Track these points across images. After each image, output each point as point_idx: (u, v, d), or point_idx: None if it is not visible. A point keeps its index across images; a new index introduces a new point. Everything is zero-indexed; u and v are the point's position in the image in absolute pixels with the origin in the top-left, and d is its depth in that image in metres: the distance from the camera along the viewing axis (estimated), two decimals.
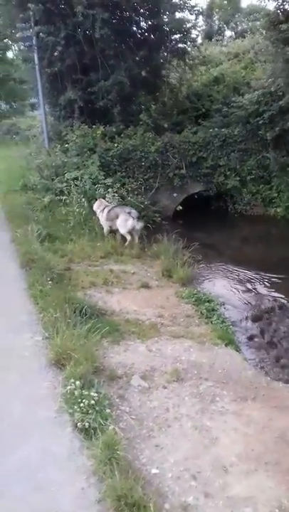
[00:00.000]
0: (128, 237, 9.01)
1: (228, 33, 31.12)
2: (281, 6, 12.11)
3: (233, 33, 30.73)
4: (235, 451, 3.47)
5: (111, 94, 12.70)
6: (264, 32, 14.40)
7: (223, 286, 8.49)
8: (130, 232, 9.04)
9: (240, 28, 30.67)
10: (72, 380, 3.76)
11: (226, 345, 5.44)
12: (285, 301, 7.58)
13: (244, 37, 22.69)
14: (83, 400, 3.52)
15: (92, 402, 3.53)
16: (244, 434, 3.71)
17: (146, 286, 7.07)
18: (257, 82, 14.33)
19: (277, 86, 12.64)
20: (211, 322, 6.11)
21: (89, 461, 3.11)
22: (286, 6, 12.07)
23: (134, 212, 9.14)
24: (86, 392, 3.63)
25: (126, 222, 8.94)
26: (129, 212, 9.03)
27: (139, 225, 9.16)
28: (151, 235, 9.55)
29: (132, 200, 10.64)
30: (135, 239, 9.13)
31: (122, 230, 8.99)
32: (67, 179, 10.52)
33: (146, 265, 8.20)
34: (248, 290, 8.25)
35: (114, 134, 12.59)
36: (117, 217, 9.02)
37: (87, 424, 3.35)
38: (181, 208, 12.94)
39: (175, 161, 12.91)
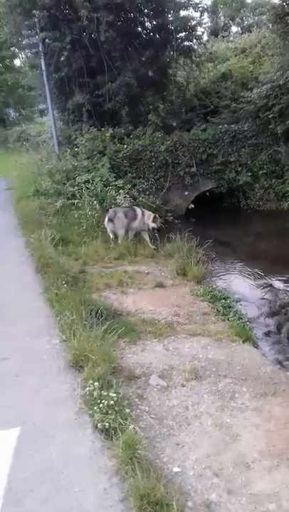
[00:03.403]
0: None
1: (234, 28, 31.00)
2: None
3: (239, 28, 30.59)
4: (257, 448, 3.45)
5: (118, 95, 12.75)
6: (270, 25, 14.33)
7: (239, 282, 8.45)
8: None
9: (246, 23, 30.52)
10: (91, 382, 3.78)
11: (244, 341, 5.39)
12: None
13: (250, 32, 22.60)
14: (102, 401, 3.54)
15: (112, 402, 3.54)
16: (265, 431, 3.68)
17: (161, 285, 7.06)
18: (265, 76, 14.25)
19: (286, 79, 12.56)
20: (228, 319, 6.07)
21: (110, 461, 3.12)
22: None
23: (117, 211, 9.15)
24: (105, 393, 3.65)
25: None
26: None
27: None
28: (164, 235, 9.54)
29: (144, 201, 10.66)
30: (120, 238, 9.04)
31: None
32: (79, 183, 10.57)
33: (160, 265, 8.19)
34: (264, 286, 8.19)
35: (123, 136, 12.63)
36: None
37: (107, 424, 3.36)
38: (193, 206, 12.93)
39: (185, 159, 12.90)
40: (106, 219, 9.03)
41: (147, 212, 9.33)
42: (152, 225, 9.15)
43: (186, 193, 13.23)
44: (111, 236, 9.03)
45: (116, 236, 9.05)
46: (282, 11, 12.10)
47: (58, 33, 12.38)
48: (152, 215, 9.24)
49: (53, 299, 5.65)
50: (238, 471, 3.19)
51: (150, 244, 9.22)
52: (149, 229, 9.23)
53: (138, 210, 9.31)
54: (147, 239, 9.36)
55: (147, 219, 9.18)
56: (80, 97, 12.79)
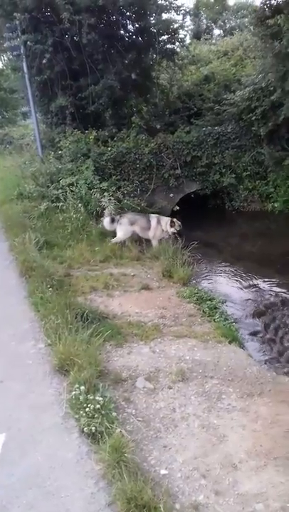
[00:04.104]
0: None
1: (217, 31, 31.27)
2: (268, 2, 12.16)
3: (221, 31, 30.85)
4: (244, 448, 3.46)
5: (102, 98, 12.73)
6: (252, 28, 14.45)
7: (225, 283, 8.50)
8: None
9: (228, 25, 30.79)
10: (77, 386, 3.75)
11: (230, 342, 5.41)
12: (288, 296, 7.58)
13: (232, 34, 22.78)
14: (89, 405, 3.52)
15: (98, 406, 3.53)
16: (252, 431, 3.69)
17: (147, 287, 7.05)
18: (247, 78, 14.38)
19: (268, 81, 12.67)
20: (214, 320, 6.09)
21: (97, 465, 3.10)
22: (272, 2, 12.11)
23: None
24: (91, 397, 3.62)
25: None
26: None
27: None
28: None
29: (129, 203, 10.62)
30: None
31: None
32: (63, 185, 10.50)
33: (146, 267, 8.18)
34: (250, 286, 8.25)
35: (107, 138, 12.60)
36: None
37: (93, 428, 3.34)
38: (178, 208, 12.94)
39: (170, 161, 12.92)
40: (109, 218, 9.11)
41: (164, 220, 9.25)
42: (171, 230, 9.07)
43: (171, 195, 13.25)
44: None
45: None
46: (263, 14, 12.18)
47: (40, 35, 12.31)
48: (168, 220, 9.17)
49: (37, 303, 5.60)
50: (226, 472, 3.19)
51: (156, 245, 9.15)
52: (170, 235, 9.13)
53: (153, 220, 9.28)
54: (154, 242, 9.26)
55: (165, 226, 9.13)
56: (62, 99, 12.73)
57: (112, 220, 9.14)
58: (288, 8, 11.30)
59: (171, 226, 9.06)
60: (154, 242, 9.22)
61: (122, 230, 9.11)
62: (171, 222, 9.10)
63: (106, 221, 9.16)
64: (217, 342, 5.35)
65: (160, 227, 9.17)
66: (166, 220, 9.20)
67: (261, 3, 12.32)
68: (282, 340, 6.09)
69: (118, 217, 9.21)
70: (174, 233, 9.10)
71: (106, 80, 12.55)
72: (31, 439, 3.42)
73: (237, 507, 2.90)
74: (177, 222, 9.15)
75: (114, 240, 8.94)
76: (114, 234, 9.13)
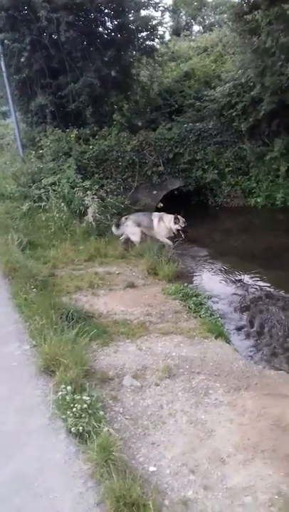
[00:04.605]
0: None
1: (196, 27, 31.22)
2: None
3: (200, 27, 30.84)
4: (232, 442, 3.48)
5: (82, 96, 12.64)
6: (230, 24, 14.48)
7: (210, 279, 8.52)
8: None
9: (207, 21, 30.77)
10: (63, 386, 3.73)
11: (216, 337, 5.44)
12: (272, 290, 7.63)
13: (212, 30, 22.81)
14: (75, 405, 3.50)
15: (85, 405, 3.51)
16: (239, 424, 3.71)
17: (132, 285, 7.05)
18: (227, 74, 14.45)
19: (248, 77, 12.74)
20: (200, 316, 6.12)
21: (85, 464, 3.08)
22: None
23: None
24: (78, 397, 3.61)
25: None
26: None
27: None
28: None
29: (112, 201, 10.58)
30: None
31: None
32: (45, 185, 10.42)
33: (131, 265, 8.17)
34: (235, 281, 8.29)
35: (88, 136, 12.52)
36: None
37: (80, 428, 3.33)
38: (162, 205, 12.89)
39: (152, 158, 12.89)
40: (114, 224, 9.27)
41: (167, 217, 9.14)
42: (175, 227, 8.96)
43: (155, 192, 13.23)
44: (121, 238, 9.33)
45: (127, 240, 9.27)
46: (240, 10, 12.21)
47: (17, 33, 12.15)
48: (172, 217, 9.05)
49: (21, 304, 5.55)
50: (214, 467, 3.21)
51: (170, 243, 9.06)
52: (174, 233, 9.05)
53: (155, 219, 9.21)
54: (164, 241, 9.20)
55: (168, 223, 9.04)
56: (42, 98, 12.61)
57: (118, 225, 9.25)
58: (265, 4, 11.35)
59: (175, 223, 8.97)
60: (163, 240, 9.14)
61: (132, 232, 9.19)
62: (175, 218, 8.98)
63: (113, 228, 9.32)
64: (203, 338, 5.38)
65: (163, 224, 9.09)
66: (169, 218, 9.11)
67: None
68: (267, 334, 6.13)
69: (123, 219, 9.24)
70: (178, 230, 8.99)
71: (86, 77, 12.46)
72: (18, 442, 3.39)
73: (226, 501, 2.92)
74: (181, 219, 9.04)
75: (135, 245, 9.07)
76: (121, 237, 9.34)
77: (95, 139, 12.51)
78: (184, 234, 9.08)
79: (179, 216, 9.02)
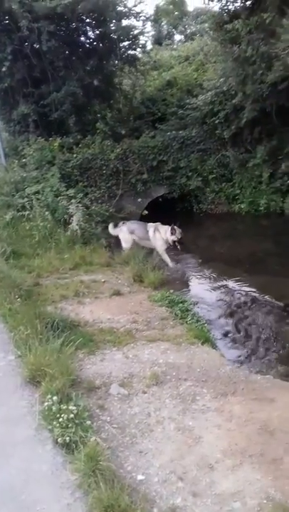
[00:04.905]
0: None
1: (178, 36, 31.50)
2: (225, 7, 12.40)
3: (182, 36, 31.14)
4: (220, 448, 3.47)
5: (64, 105, 12.69)
6: (211, 33, 14.68)
7: (196, 285, 8.55)
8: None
9: (188, 31, 31.06)
10: (49, 396, 3.68)
11: (203, 343, 5.44)
12: (257, 295, 7.68)
13: (193, 39, 23.08)
14: (62, 415, 3.45)
15: (71, 415, 3.46)
16: (227, 430, 3.71)
17: (118, 293, 7.02)
18: (209, 82, 14.63)
19: (229, 85, 12.92)
20: (186, 322, 6.11)
21: (73, 475, 3.04)
22: (230, 7, 12.36)
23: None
24: (64, 407, 3.56)
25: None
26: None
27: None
28: (119, 242, 9.56)
29: (97, 209, 10.59)
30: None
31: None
32: (28, 194, 10.37)
33: (116, 272, 8.15)
34: (220, 287, 8.32)
35: (72, 145, 12.55)
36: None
37: (67, 438, 3.28)
38: (146, 212, 12.98)
39: (136, 166, 12.96)
40: (112, 224, 9.42)
41: (162, 228, 8.90)
42: (171, 238, 8.70)
43: (139, 199, 13.28)
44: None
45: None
46: (221, 19, 12.41)
47: None
48: (168, 228, 8.79)
49: (6, 314, 5.47)
50: (202, 473, 3.19)
51: (170, 264, 8.92)
52: (170, 244, 8.82)
53: (150, 229, 9.01)
54: (163, 257, 9.01)
55: (164, 234, 8.80)
56: (25, 107, 12.62)
57: (116, 225, 9.43)
58: (245, 13, 11.55)
59: (172, 234, 8.69)
60: (160, 252, 8.99)
61: (124, 239, 9.20)
62: (172, 229, 8.71)
63: (110, 226, 9.51)
64: (190, 344, 5.37)
65: (159, 235, 8.88)
66: (165, 228, 8.84)
67: (219, 8, 12.57)
68: (252, 338, 6.16)
69: (121, 223, 9.34)
70: (174, 241, 8.74)
71: (68, 86, 12.52)
72: (3, 454, 3.32)
73: (215, 507, 2.91)
74: (178, 230, 8.78)
75: (123, 250, 9.10)
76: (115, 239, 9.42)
77: (79, 147, 12.54)
78: (180, 245, 8.86)
79: (175, 227, 8.78)
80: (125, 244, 9.27)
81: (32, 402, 3.87)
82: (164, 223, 9.19)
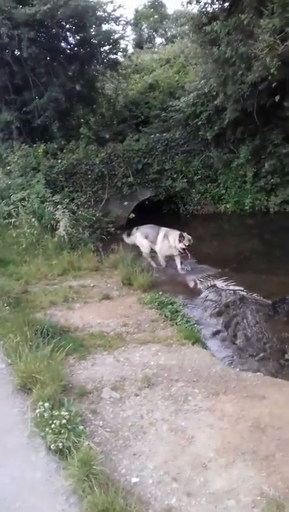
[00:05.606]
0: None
1: (158, 39, 31.69)
2: (204, 9, 12.52)
3: (163, 39, 31.31)
4: (213, 447, 3.49)
5: (47, 111, 12.71)
6: (191, 35, 14.82)
7: (184, 286, 8.56)
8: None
9: (169, 33, 31.26)
10: (41, 403, 3.68)
11: (193, 344, 5.47)
12: (245, 293, 7.72)
13: (174, 42, 23.24)
14: (54, 421, 3.45)
15: (64, 421, 3.46)
16: (219, 429, 3.73)
17: (107, 297, 7.03)
18: (190, 84, 14.76)
19: (210, 86, 13.05)
20: (176, 323, 6.13)
21: (67, 481, 3.04)
22: (208, 9, 12.49)
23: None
24: (56, 413, 3.56)
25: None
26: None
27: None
28: (107, 246, 9.55)
29: (84, 214, 10.60)
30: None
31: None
32: (14, 201, 10.35)
33: (105, 277, 8.15)
34: (209, 287, 8.34)
35: (56, 151, 12.56)
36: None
37: (60, 444, 3.28)
38: (133, 215, 13.01)
39: (121, 170, 13.00)
40: (126, 234, 9.44)
41: (172, 234, 8.52)
42: (179, 245, 8.34)
43: (126, 203, 13.32)
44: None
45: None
46: (200, 21, 12.54)
47: None
48: (177, 235, 8.41)
49: None
50: (196, 473, 3.21)
51: (181, 271, 8.72)
52: (179, 251, 8.47)
53: (161, 233, 8.72)
54: (178, 265, 8.75)
55: (173, 242, 8.44)
56: (7, 114, 12.60)
57: (129, 235, 9.34)
58: (224, 15, 11.67)
59: (180, 241, 8.33)
60: (160, 258, 8.88)
61: (141, 244, 9.12)
62: (180, 236, 8.34)
63: (124, 236, 9.45)
64: (180, 345, 5.40)
65: (167, 242, 8.57)
66: (174, 235, 8.46)
67: (198, 10, 12.69)
68: (242, 337, 6.20)
69: (134, 230, 9.23)
70: (183, 249, 8.39)
71: (50, 92, 12.54)
72: None
73: (209, 506, 2.93)
74: (187, 237, 8.40)
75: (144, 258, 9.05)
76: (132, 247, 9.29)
77: (63, 152, 12.55)
78: (190, 253, 8.50)
79: (184, 234, 8.42)
80: (143, 249, 9.02)
81: (24, 409, 3.87)
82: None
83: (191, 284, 8.40)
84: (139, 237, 9.17)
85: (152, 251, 9.12)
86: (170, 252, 8.68)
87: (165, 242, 8.64)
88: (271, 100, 11.16)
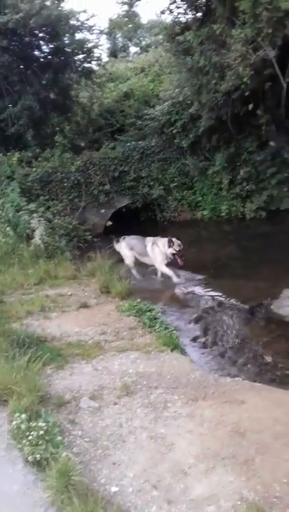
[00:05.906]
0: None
1: (133, 48, 31.92)
2: (177, 19, 12.70)
3: (137, 48, 31.56)
4: (192, 453, 3.47)
5: (21, 119, 12.65)
6: (165, 45, 15.00)
7: (162, 293, 8.57)
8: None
9: (143, 43, 31.54)
10: (18, 414, 3.60)
11: (172, 350, 5.45)
12: (222, 299, 7.78)
13: (148, 51, 23.45)
14: (31, 433, 3.38)
15: (41, 432, 3.40)
16: (199, 435, 3.72)
17: (85, 305, 6.97)
18: (165, 93, 14.92)
19: (185, 95, 13.21)
20: (155, 330, 6.11)
21: (45, 493, 2.97)
22: (181, 19, 12.67)
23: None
24: (34, 424, 3.49)
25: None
26: None
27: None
28: (84, 254, 9.49)
29: (60, 222, 10.52)
30: None
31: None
32: None
33: (82, 285, 8.09)
34: (187, 293, 8.38)
35: (31, 159, 12.50)
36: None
37: (38, 456, 3.21)
38: (110, 223, 13.01)
39: (98, 177, 13.00)
40: (115, 240, 9.24)
41: (161, 241, 8.38)
42: (169, 251, 8.20)
43: (103, 210, 13.31)
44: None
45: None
46: (173, 31, 12.71)
47: None
48: (166, 240, 8.30)
49: None
50: (176, 480, 3.19)
51: (175, 279, 8.43)
52: (170, 257, 8.31)
53: (148, 244, 8.56)
54: (164, 270, 8.52)
55: (163, 248, 8.31)
56: None
57: (118, 241, 9.19)
58: (196, 25, 11.85)
59: (169, 246, 8.20)
60: (160, 269, 8.58)
61: (125, 255, 8.95)
62: (169, 241, 8.22)
63: (114, 242, 9.29)
64: (159, 352, 5.38)
65: (158, 249, 8.40)
66: (163, 242, 8.34)
67: (171, 20, 12.86)
68: (221, 342, 6.23)
69: (121, 239, 9.06)
70: (173, 254, 8.25)
71: (24, 100, 12.50)
72: None
73: None
74: (176, 242, 8.28)
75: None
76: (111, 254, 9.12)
77: (38, 161, 12.50)
78: (180, 259, 8.32)
79: (173, 239, 8.28)
80: (127, 260, 8.89)
81: (0, 421, 3.78)
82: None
83: (170, 291, 8.42)
84: (124, 248, 9.03)
85: (140, 263, 8.98)
86: (165, 259, 8.39)
87: (156, 250, 8.42)
88: (245, 108, 11.38)
